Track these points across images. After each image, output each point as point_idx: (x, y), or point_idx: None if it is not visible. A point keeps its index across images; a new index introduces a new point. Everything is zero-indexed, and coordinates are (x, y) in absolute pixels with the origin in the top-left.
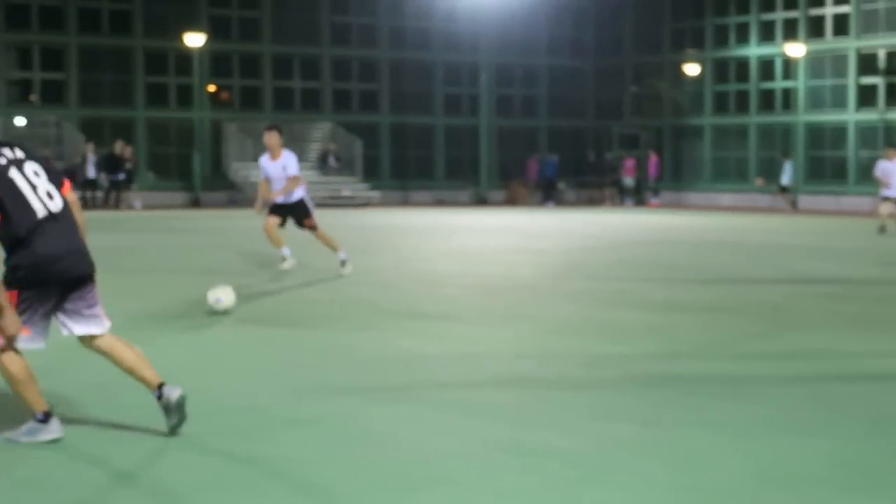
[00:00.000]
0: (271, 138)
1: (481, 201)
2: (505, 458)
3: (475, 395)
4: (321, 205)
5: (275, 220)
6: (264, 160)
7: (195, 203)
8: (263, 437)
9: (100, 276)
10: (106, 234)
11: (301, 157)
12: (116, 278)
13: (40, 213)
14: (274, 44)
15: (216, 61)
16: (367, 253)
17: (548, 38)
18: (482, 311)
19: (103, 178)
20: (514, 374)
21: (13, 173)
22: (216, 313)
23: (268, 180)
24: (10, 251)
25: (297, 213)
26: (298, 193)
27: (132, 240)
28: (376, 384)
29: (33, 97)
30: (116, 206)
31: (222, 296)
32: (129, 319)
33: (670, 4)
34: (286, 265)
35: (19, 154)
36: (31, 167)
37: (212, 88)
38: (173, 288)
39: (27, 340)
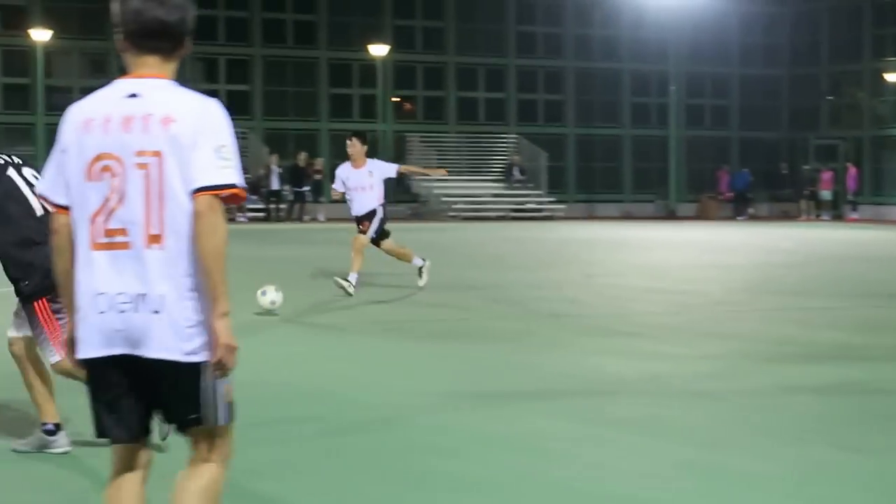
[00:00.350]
0: (353, 147)
1: (670, 214)
2: (694, 481)
3: (662, 414)
4: (504, 217)
5: (366, 240)
6: (345, 169)
7: None
8: (450, 452)
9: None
10: (287, 247)
11: (485, 170)
12: (291, 290)
13: (39, 211)
14: (458, 54)
15: (400, 72)
16: (554, 267)
17: (740, 45)
18: (671, 327)
19: (287, 190)
20: (703, 393)
21: (11, 172)
22: (266, 310)
23: (343, 192)
24: (19, 259)
25: (370, 218)
26: (371, 205)
27: (311, 252)
28: (561, 401)
29: None
30: (300, 218)
31: (269, 292)
32: (307, 329)
33: (871, 10)
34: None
35: (16, 160)
36: (28, 171)
37: (395, 99)
38: (348, 300)
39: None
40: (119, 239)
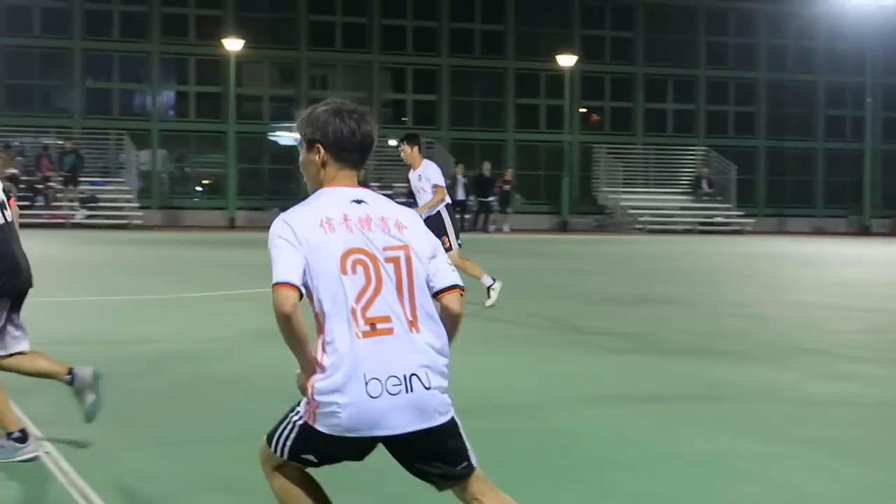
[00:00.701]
0: (402, 151)
1: (863, 230)
2: None
3: (853, 436)
4: (691, 231)
5: (456, 251)
6: (410, 174)
7: (563, 227)
8: (631, 467)
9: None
10: (471, 258)
11: (672, 182)
12: (473, 302)
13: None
14: (646, 65)
15: (587, 82)
16: (742, 282)
17: None
18: (862, 346)
19: (472, 200)
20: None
21: None
22: None
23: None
24: None
25: (434, 228)
26: (436, 206)
27: (495, 263)
28: (746, 418)
29: (406, 118)
30: (485, 228)
31: None
32: (488, 340)
33: None
34: (490, 301)
35: None
36: None
37: (582, 110)
38: (532, 313)
39: None
40: (381, 326)
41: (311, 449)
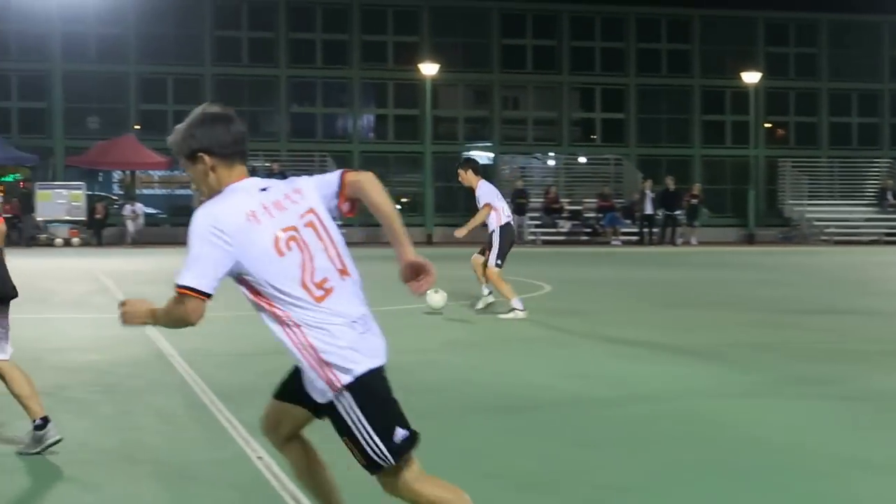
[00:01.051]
0: (460, 176)
1: None
2: None
3: None
4: (876, 242)
5: (480, 257)
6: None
7: (749, 240)
8: (833, 478)
9: (647, 310)
10: (659, 270)
11: (857, 194)
12: (663, 312)
13: None
14: (831, 80)
15: (772, 98)
16: None
17: None
18: None
19: (660, 214)
20: None
21: None
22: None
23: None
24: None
25: (488, 242)
26: (491, 226)
27: (678, 275)
28: None
29: (595, 136)
30: (672, 241)
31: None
32: (676, 352)
33: None
34: (480, 304)
35: None
36: None
37: (768, 125)
38: (718, 322)
39: None
40: (328, 285)
41: (386, 410)
